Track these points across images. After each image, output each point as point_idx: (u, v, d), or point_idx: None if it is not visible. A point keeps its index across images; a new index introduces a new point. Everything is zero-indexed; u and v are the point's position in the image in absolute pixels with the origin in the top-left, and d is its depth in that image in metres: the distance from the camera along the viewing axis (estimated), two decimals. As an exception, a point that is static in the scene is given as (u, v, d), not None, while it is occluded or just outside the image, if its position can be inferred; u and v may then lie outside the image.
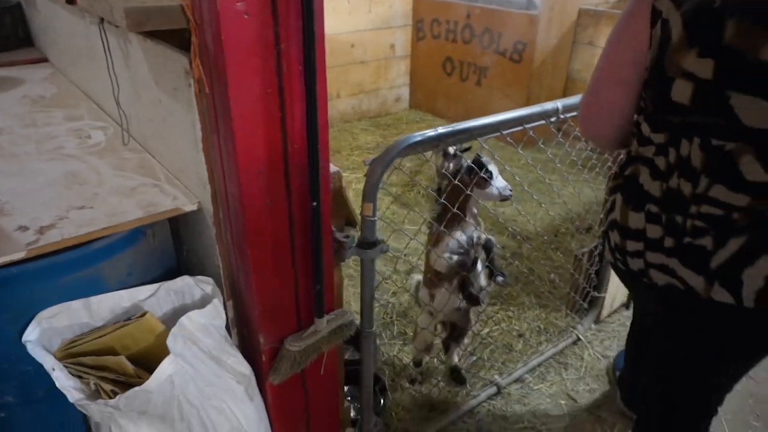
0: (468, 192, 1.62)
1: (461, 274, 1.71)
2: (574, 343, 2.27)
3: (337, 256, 1.29)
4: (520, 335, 2.30)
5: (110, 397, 1.00)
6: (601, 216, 2.04)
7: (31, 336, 1.04)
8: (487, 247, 1.74)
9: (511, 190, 1.70)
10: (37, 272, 1.08)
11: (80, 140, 1.57)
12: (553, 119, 1.59)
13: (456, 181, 1.61)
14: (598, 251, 2.19)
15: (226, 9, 0.89)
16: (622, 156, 1.27)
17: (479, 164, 1.64)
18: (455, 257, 1.69)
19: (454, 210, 1.60)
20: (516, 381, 2.07)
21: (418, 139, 1.33)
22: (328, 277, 1.26)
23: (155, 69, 1.25)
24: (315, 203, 1.12)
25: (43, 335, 1.08)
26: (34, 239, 1.08)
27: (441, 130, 1.38)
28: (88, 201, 1.23)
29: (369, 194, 1.25)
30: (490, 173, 1.65)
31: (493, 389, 2.01)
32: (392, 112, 4.93)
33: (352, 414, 1.69)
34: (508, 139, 1.54)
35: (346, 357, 1.81)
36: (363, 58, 4.50)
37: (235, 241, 1.17)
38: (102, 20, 1.32)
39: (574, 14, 4.00)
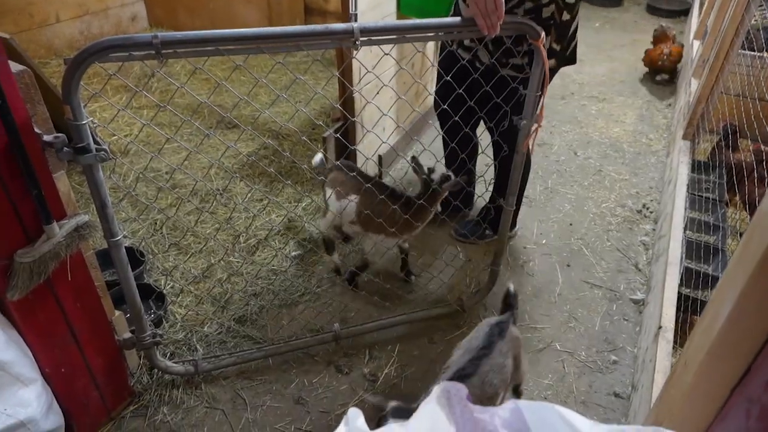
0: None
1: None
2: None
3: (55, 158, 1.25)
4: (290, 221, 2.50)
5: None
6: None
7: None
8: None
9: None
10: None
11: None
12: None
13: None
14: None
15: None
16: None
17: None
18: None
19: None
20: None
21: (121, 41, 1.17)
22: (46, 180, 1.23)
23: None
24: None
25: None
26: None
27: (160, 34, 1.18)
28: None
29: (65, 96, 1.19)
30: None
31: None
32: (131, 32, 4.49)
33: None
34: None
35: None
36: (78, -28, 3.96)
37: None
38: None
39: None
